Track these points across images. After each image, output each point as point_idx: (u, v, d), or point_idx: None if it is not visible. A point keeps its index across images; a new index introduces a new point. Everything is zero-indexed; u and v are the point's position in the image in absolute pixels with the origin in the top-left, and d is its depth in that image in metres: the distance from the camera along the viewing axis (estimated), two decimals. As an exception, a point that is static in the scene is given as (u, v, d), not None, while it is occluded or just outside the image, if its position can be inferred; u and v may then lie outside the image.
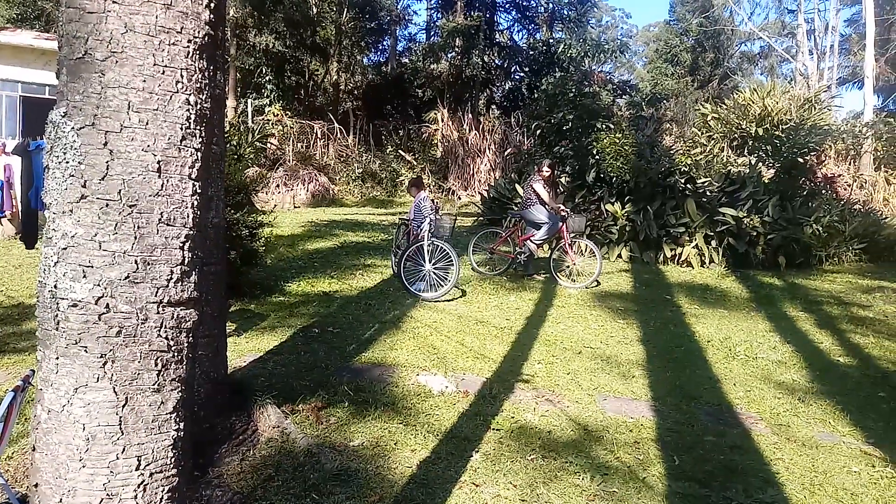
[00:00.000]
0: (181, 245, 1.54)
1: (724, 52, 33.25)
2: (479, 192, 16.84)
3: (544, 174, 8.07)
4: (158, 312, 1.51)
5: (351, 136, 22.17)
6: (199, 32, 1.55)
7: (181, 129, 1.53)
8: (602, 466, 3.28)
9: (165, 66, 1.50)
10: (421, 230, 7.26)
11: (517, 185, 12.13)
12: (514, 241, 8.41)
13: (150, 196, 1.48)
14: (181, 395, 1.58)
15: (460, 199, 19.54)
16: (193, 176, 1.56)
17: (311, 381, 4.31)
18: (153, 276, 1.50)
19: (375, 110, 24.96)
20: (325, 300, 6.69)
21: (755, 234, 9.43)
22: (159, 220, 1.50)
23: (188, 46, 1.53)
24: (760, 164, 13.52)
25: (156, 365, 1.51)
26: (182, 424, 1.58)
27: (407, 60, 28.72)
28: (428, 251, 7.05)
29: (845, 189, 16.38)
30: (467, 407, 4.02)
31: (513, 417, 3.88)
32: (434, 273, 7.06)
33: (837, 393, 4.57)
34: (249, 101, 21.65)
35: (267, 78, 22.81)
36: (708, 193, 10.23)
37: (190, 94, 1.54)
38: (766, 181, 11.72)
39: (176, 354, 1.57)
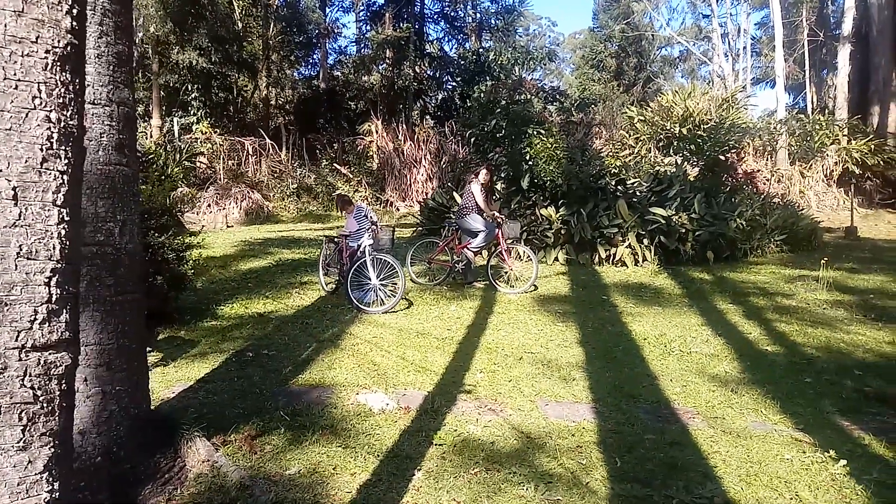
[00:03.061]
0: (46, 281, 1.38)
1: (647, 56, 34.52)
2: (418, 202, 16.80)
3: (482, 179, 8.12)
4: (20, 359, 1.34)
5: (284, 152, 21.73)
6: (58, 42, 1.40)
7: (41, 149, 1.37)
8: (545, 475, 3.26)
9: (19, 80, 1.35)
10: (360, 245, 7.13)
11: (455, 194, 12.16)
12: (452, 250, 8.39)
13: (4, 227, 1.33)
14: (54, 452, 1.41)
15: (399, 210, 19.44)
16: (59, 202, 1.40)
17: (244, 409, 4.12)
18: (12, 318, 1.34)
19: (308, 124, 24.58)
20: (260, 322, 6.46)
21: (684, 231, 9.75)
22: (18, 253, 1.34)
23: (46, 57, 1.38)
24: (685, 162, 14.05)
25: (20, 420, 1.34)
26: (57, 485, 1.41)
27: (339, 73, 28.46)
28: (372, 265, 6.95)
29: (764, 183, 17.24)
30: (409, 423, 3.93)
31: (455, 431, 3.82)
32: (380, 286, 6.97)
33: (767, 381, 4.73)
34: (175, 119, 20.92)
35: (193, 95, 22.07)
36: (638, 194, 10.52)
37: (51, 111, 1.39)
38: (692, 179, 12.18)
39: (46, 405, 1.39)
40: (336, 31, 29.19)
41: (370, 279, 6.96)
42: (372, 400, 4.28)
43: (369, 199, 19.67)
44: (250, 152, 20.56)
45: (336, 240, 7.86)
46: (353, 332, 6.06)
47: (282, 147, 21.93)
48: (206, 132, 20.58)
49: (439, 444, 3.61)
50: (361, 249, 7.08)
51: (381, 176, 20.76)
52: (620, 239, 9.87)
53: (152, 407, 3.75)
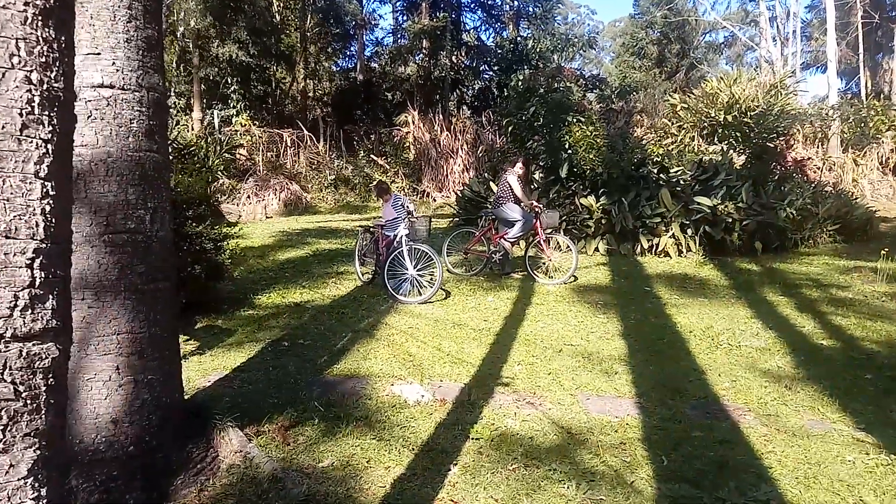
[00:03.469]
0: (28, 262, 1.24)
1: (690, 42, 33.50)
2: (454, 193, 16.67)
3: (518, 171, 7.95)
4: None
5: (321, 143, 21.85)
6: None
7: (21, 114, 1.23)
8: (587, 472, 3.11)
9: None
10: (397, 235, 7.05)
11: (491, 184, 11.98)
12: (489, 240, 8.24)
13: None
14: (40, 454, 1.27)
15: (435, 200, 19.34)
16: (42, 174, 1.26)
17: (279, 399, 4.09)
18: None
19: (345, 116, 24.65)
20: (297, 311, 6.45)
21: (730, 220, 9.37)
22: None
23: (25, 10, 1.23)
24: (731, 150, 13.55)
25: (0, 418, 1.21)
26: (45, 490, 1.27)
27: (375, 65, 28.45)
28: (409, 255, 6.87)
29: (815, 172, 16.53)
30: (445, 416, 3.82)
31: (493, 424, 3.69)
32: (417, 277, 6.89)
33: (824, 377, 4.46)
34: (216, 111, 21.23)
35: (233, 88, 22.36)
36: (681, 182, 10.16)
37: (31, 71, 1.24)
38: (738, 167, 11.72)
39: (29, 402, 1.25)
40: (373, 22, 29.21)
41: (407, 269, 6.88)
42: (407, 391, 4.19)
43: (406, 190, 19.63)
44: (289, 144, 20.74)
45: (372, 230, 7.80)
46: (388, 322, 5.99)
47: (319, 139, 22.05)
48: (245, 124, 20.83)
49: (476, 438, 3.50)
50: (398, 239, 7.00)
51: (418, 167, 20.69)
52: (663, 229, 9.55)
53: (187, 396, 3.74)
